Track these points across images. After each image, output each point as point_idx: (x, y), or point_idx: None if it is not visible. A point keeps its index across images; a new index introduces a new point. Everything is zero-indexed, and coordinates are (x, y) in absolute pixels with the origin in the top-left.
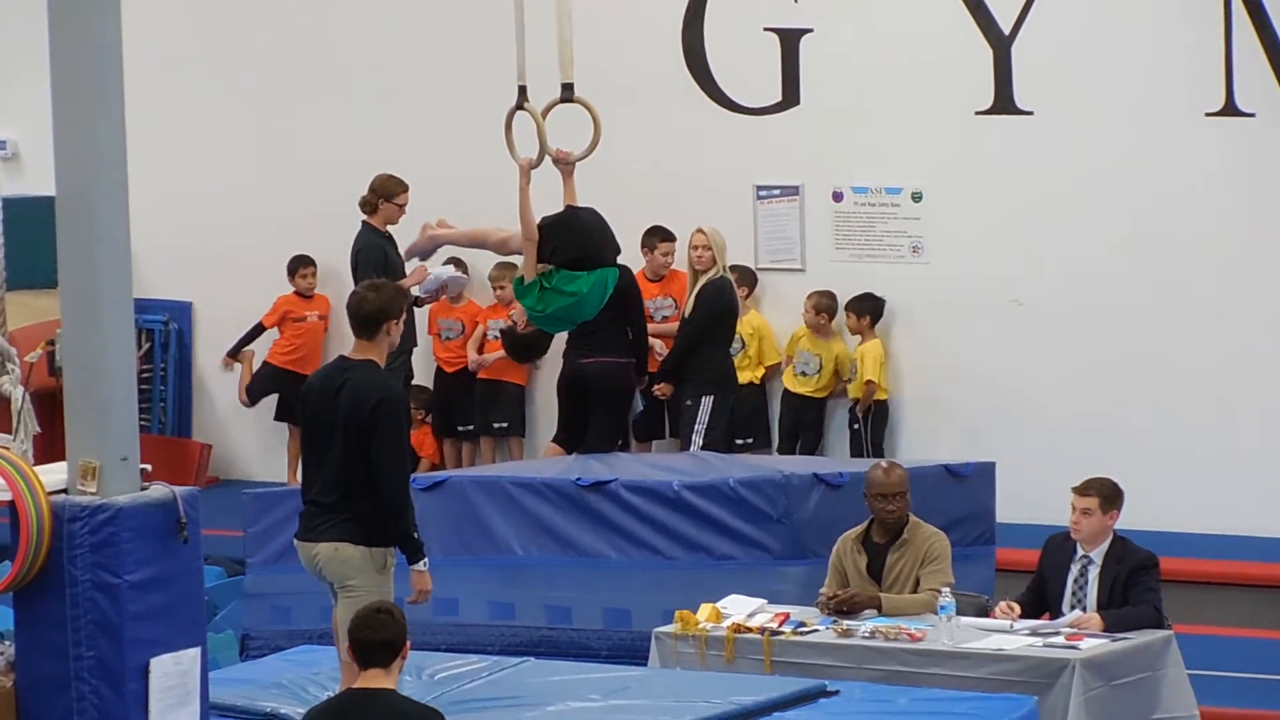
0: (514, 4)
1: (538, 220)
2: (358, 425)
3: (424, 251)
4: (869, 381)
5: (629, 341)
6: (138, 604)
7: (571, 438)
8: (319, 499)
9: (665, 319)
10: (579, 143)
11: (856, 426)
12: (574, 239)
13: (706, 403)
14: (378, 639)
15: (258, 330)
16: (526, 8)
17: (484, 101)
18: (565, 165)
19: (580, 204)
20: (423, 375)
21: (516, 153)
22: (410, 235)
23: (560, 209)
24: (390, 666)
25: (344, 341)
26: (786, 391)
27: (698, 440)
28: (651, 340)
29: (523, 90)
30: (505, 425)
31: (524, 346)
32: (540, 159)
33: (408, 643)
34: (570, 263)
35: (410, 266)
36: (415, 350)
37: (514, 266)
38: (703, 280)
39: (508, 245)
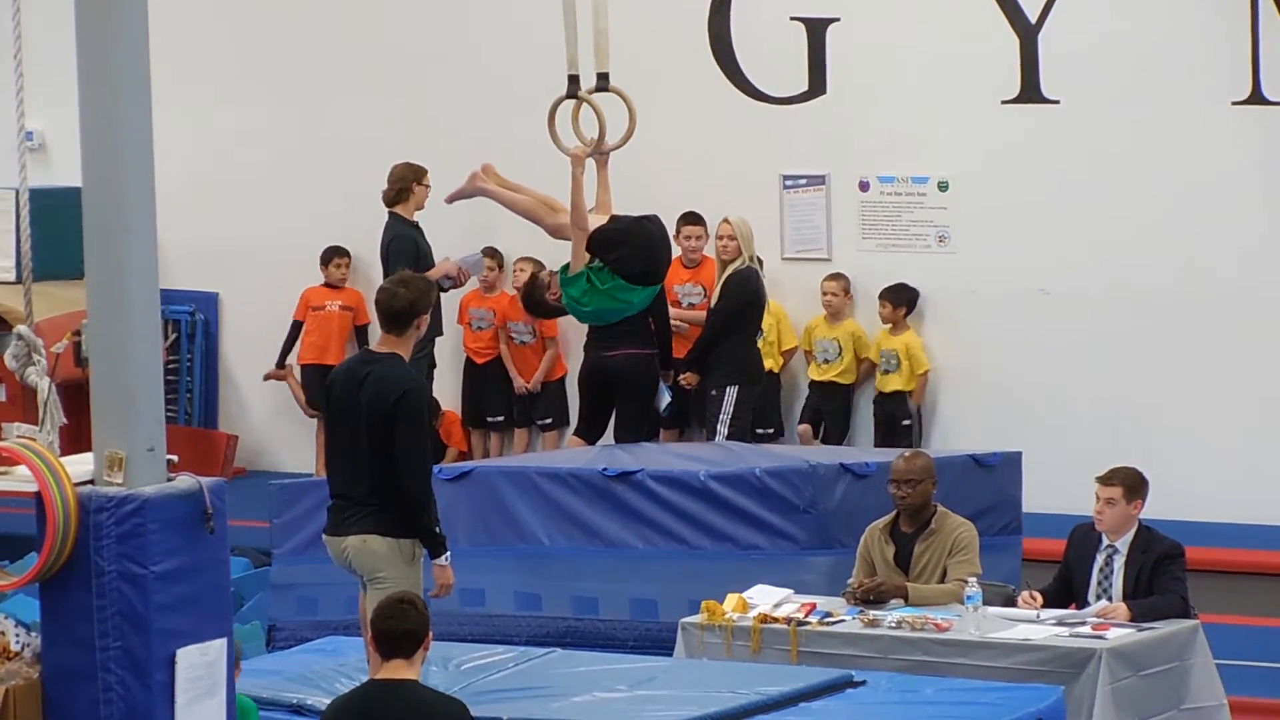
0: None
1: (607, 219)
2: (380, 419)
3: (465, 196)
4: (925, 373)
5: (651, 332)
6: (164, 595)
7: (593, 430)
8: (346, 492)
9: (692, 306)
10: (611, 132)
11: (909, 422)
12: (643, 253)
13: (731, 393)
14: (400, 630)
15: (296, 329)
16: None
17: (511, 94)
18: (600, 154)
19: (616, 204)
20: (453, 364)
21: (561, 141)
22: (433, 223)
23: (632, 213)
24: (413, 657)
25: (374, 333)
26: (812, 382)
27: (723, 430)
28: (675, 324)
29: (574, 80)
30: (549, 420)
31: (545, 310)
32: (599, 146)
33: (430, 633)
34: (634, 275)
35: (444, 253)
36: (444, 339)
37: (534, 261)
38: (729, 270)
39: (562, 231)
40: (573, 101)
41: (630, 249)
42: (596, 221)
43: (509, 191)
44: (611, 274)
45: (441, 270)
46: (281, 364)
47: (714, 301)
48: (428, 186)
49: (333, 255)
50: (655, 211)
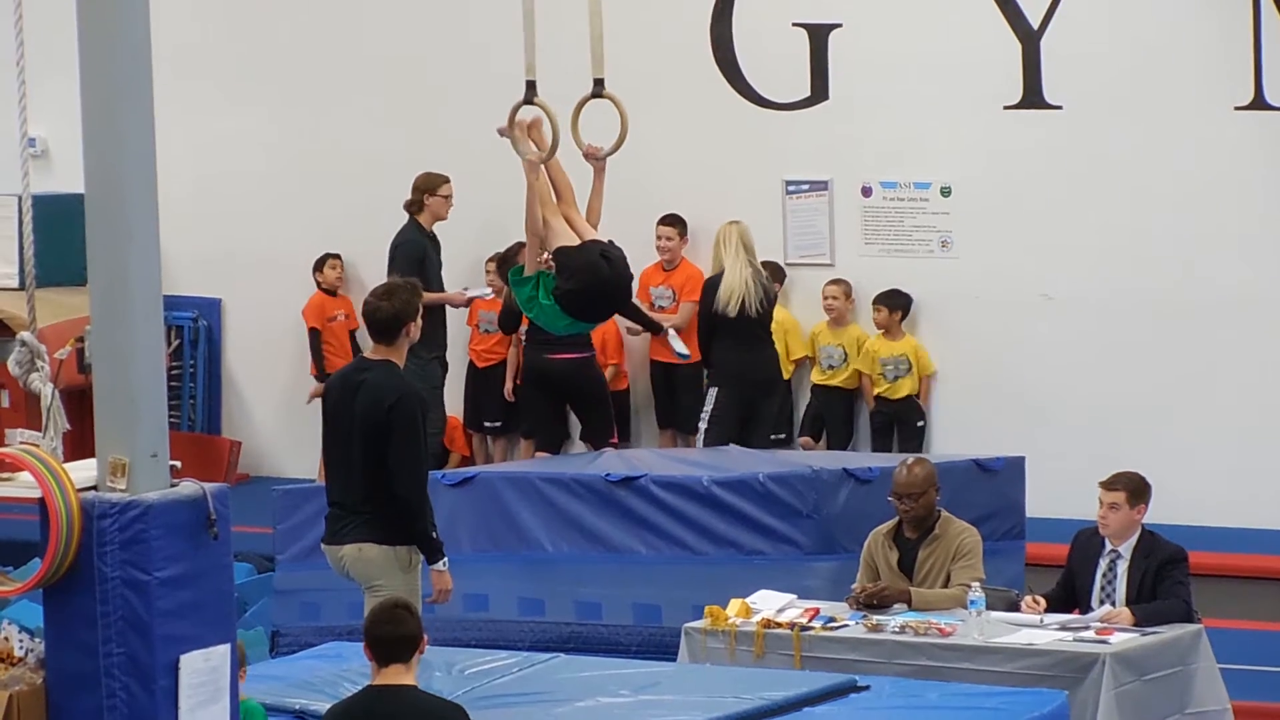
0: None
1: (583, 241)
2: (374, 426)
3: (503, 134)
4: (932, 375)
5: (589, 336)
6: (167, 601)
7: (555, 437)
8: (342, 500)
9: (662, 309)
10: (603, 139)
11: (923, 424)
12: (588, 298)
13: (712, 394)
14: (397, 635)
15: (316, 337)
16: (557, 5)
17: (514, 96)
18: (597, 161)
19: (621, 208)
20: (456, 368)
21: (519, 146)
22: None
23: (605, 245)
24: (410, 662)
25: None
26: (815, 387)
27: (702, 429)
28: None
29: (531, 85)
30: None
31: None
32: (552, 154)
33: (425, 637)
34: (569, 310)
35: (457, 251)
36: (451, 337)
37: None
38: (708, 276)
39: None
40: (574, 106)
41: (579, 286)
42: (567, 233)
43: (531, 157)
44: (553, 297)
45: (447, 299)
46: (322, 376)
47: None
48: (445, 198)
49: (325, 259)
50: (658, 215)
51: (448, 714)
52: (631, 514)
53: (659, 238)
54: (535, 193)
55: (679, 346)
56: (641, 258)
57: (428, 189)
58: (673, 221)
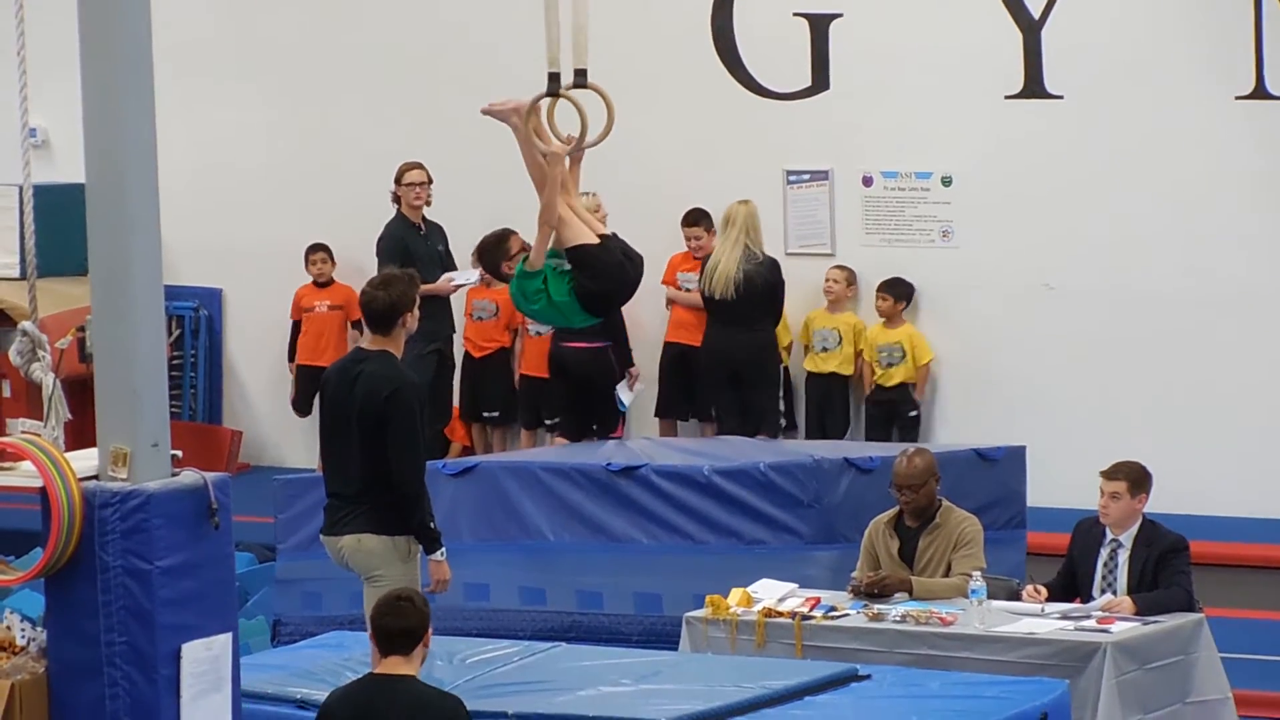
0: None
1: (598, 239)
2: (372, 416)
3: (497, 117)
4: (928, 363)
5: (602, 327)
6: (169, 590)
7: (575, 425)
8: (340, 491)
9: (689, 292)
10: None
11: (915, 414)
12: (609, 295)
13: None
14: (399, 627)
15: (295, 330)
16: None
17: (514, 90)
18: (576, 151)
19: (622, 200)
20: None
21: (548, 140)
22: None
23: (619, 241)
24: (411, 654)
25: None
26: (811, 375)
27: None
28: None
29: (555, 77)
30: (556, 420)
31: (497, 271)
32: (580, 144)
33: (429, 630)
34: (588, 306)
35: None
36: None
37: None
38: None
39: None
40: (549, 99)
41: (606, 288)
42: (577, 225)
43: (532, 145)
44: (571, 289)
45: (434, 290)
46: (292, 359)
47: None
48: (409, 185)
49: (310, 252)
50: (659, 207)
51: (443, 705)
52: (633, 503)
53: (689, 239)
54: (556, 184)
55: (624, 395)
56: (637, 248)
57: (396, 179)
58: (696, 220)
